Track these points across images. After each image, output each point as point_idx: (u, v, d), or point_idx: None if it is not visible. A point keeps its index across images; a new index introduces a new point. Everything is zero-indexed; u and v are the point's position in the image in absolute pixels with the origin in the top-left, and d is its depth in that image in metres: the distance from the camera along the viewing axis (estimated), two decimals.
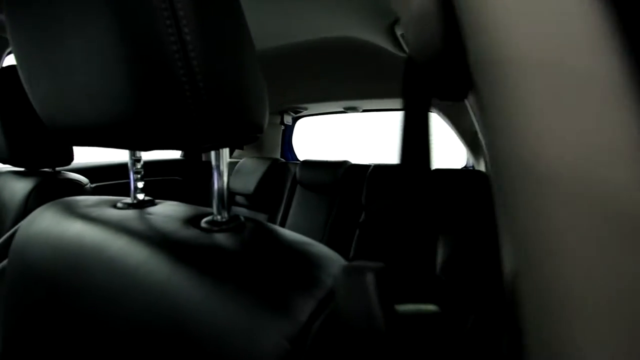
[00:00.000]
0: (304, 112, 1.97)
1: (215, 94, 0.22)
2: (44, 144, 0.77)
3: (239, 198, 1.78)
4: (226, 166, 0.32)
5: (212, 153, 0.32)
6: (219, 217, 0.31)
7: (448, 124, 1.50)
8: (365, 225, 1.35)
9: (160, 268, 0.25)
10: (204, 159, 1.90)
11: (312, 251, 0.27)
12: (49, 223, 0.36)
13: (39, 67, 0.28)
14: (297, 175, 1.59)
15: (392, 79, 1.36)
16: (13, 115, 0.73)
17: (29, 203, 0.69)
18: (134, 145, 0.29)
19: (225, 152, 0.32)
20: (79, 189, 0.76)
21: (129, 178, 0.39)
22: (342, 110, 1.82)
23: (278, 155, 2.24)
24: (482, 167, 1.38)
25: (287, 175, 1.66)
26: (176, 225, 0.31)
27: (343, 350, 0.20)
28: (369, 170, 1.38)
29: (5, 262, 0.41)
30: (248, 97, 0.25)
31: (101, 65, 0.22)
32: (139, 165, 0.39)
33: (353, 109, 1.76)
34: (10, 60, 1.05)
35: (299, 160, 2.07)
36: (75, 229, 0.33)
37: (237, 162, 1.81)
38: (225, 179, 0.32)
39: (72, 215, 0.35)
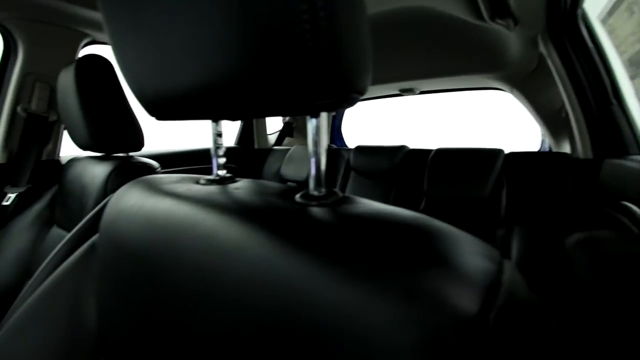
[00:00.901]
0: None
1: (336, 52, 0.21)
2: (119, 131, 0.80)
3: (291, 185, 1.78)
4: (326, 135, 0.28)
5: (309, 124, 0.28)
6: (315, 192, 0.27)
7: (522, 102, 1.34)
8: (427, 212, 1.26)
9: (261, 245, 0.23)
10: (256, 146, 1.92)
11: (435, 227, 0.22)
12: (137, 199, 0.35)
13: (136, 44, 0.28)
14: (351, 161, 1.53)
15: (465, 53, 1.24)
16: (93, 105, 0.76)
17: (109, 184, 0.72)
18: (239, 112, 0.28)
19: (325, 121, 0.28)
20: (151, 171, 0.79)
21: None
22: (398, 93, 1.73)
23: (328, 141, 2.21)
24: (566, 149, 1.22)
25: (340, 162, 1.61)
26: (269, 201, 0.28)
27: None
28: (431, 154, 1.28)
29: (95, 236, 0.41)
30: (360, 57, 0.23)
31: (213, 25, 0.22)
32: (220, 140, 0.37)
33: (409, 91, 1.65)
34: (87, 51, 1.12)
35: (346, 147, 2.02)
36: (165, 205, 0.32)
37: (288, 150, 1.81)
38: (323, 151, 0.28)
39: (159, 192, 0.34)
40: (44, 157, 1.08)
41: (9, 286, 0.89)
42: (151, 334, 0.30)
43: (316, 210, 0.26)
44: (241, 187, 0.33)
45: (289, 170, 1.70)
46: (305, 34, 0.20)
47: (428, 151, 1.31)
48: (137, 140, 0.84)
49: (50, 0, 0.89)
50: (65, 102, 0.81)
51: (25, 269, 0.90)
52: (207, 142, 1.76)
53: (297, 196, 0.28)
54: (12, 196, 1.00)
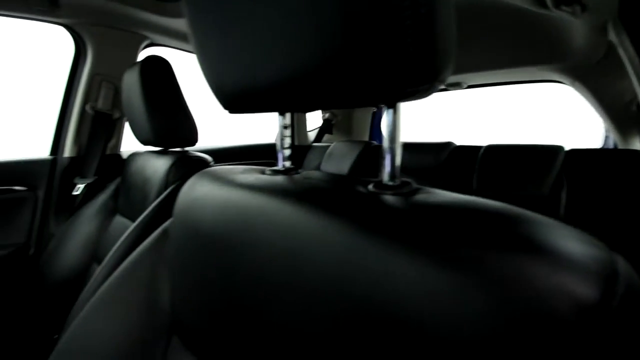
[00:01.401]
0: None
1: (432, 39, 0.21)
2: (178, 127, 0.85)
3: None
4: (401, 126, 0.28)
5: (385, 114, 0.28)
6: (390, 182, 0.27)
7: (585, 95, 1.23)
8: None
9: (340, 233, 0.24)
10: (296, 143, 1.95)
11: (528, 215, 0.21)
12: (209, 188, 0.37)
13: (218, 40, 0.29)
14: None
15: (523, 44, 1.17)
16: (155, 103, 0.82)
17: (170, 177, 0.77)
18: (315, 103, 0.29)
19: (400, 109, 0.28)
20: (206, 165, 0.83)
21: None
22: (443, 87, 1.67)
23: (366, 139, 2.18)
24: (635, 145, 1.10)
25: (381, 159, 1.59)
26: (343, 190, 0.29)
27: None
28: (481, 151, 1.22)
29: (167, 223, 0.44)
30: (449, 45, 0.23)
31: (303, 14, 0.22)
32: (287, 132, 0.38)
33: (456, 85, 1.58)
34: (145, 53, 1.20)
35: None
36: (238, 193, 0.33)
37: (327, 146, 1.82)
38: (399, 142, 0.28)
39: (230, 181, 0.36)
40: (107, 152, 1.18)
41: (78, 267, 0.98)
42: (224, 314, 0.31)
43: (393, 199, 0.25)
44: (312, 177, 0.34)
45: (330, 167, 1.71)
46: (406, 21, 0.20)
47: (477, 148, 1.25)
48: (192, 136, 0.88)
49: (116, 5, 0.96)
50: (129, 100, 0.88)
51: (92, 252, 0.99)
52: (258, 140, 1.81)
53: (370, 186, 0.28)
54: (81, 187, 1.10)
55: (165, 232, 0.44)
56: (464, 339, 0.17)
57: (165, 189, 0.76)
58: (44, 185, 1.12)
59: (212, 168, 0.43)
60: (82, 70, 1.08)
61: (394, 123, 0.27)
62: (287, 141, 0.38)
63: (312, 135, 2.07)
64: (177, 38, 1.22)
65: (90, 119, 1.12)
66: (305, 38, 0.23)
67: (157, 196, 0.76)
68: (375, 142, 1.81)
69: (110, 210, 1.04)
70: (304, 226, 0.26)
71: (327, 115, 2.05)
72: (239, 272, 0.30)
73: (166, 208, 0.75)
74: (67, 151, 1.13)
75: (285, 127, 0.38)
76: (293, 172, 0.37)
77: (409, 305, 0.19)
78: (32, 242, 1.11)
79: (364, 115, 2.11)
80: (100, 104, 1.11)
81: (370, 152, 1.63)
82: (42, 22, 1.01)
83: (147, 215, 0.74)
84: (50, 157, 1.14)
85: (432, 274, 0.19)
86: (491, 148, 1.21)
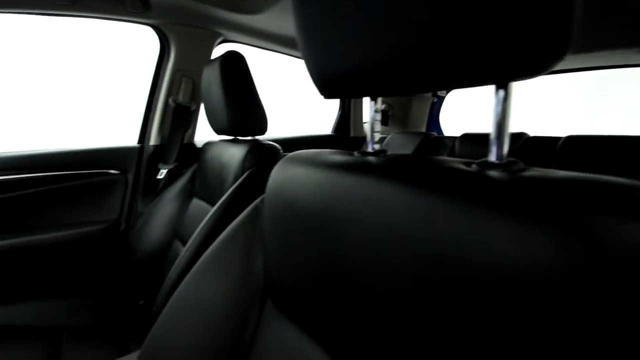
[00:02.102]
0: None
1: (561, 10, 0.20)
2: (251, 117, 0.91)
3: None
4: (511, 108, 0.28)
5: (496, 95, 0.27)
6: (496, 160, 0.27)
7: None
8: None
9: (442, 207, 0.24)
10: (352, 134, 1.96)
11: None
12: (302, 168, 0.40)
13: (321, 28, 0.31)
14: (457, 150, 1.45)
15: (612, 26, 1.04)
16: (233, 95, 0.88)
17: (246, 162, 0.83)
18: (416, 85, 0.29)
19: (512, 89, 0.27)
20: (276, 152, 0.88)
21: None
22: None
23: (423, 130, 2.12)
24: None
25: (441, 150, 1.54)
26: (445, 169, 0.29)
27: None
28: (560, 142, 1.12)
29: (258, 201, 0.48)
30: (573, 20, 0.21)
31: None
32: (377, 116, 0.39)
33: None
34: (221, 49, 1.30)
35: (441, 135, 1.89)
36: (332, 172, 0.35)
37: (383, 138, 1.80)
38: (509, 120, 0.27)
39: (323, 162, 0.38)
40: (185, 141, 1.29)
41: (161, 243, 1.10)
42: (317, 281, 0.34)
43: (499, 174, 0.25)
44: (404, 158, 0.35)
45: None
46: None
47: (555, 139, 1.16)
48: (263, 126, 0.94)
49: (199, 4, 1.04)
50: (208, 92, 0.95)
51: (173, 230, 1.10)
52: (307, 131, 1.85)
53: (473, 165, 0.28)
54: (164, 171, 1.23)
55: (256, 208, 0.48)
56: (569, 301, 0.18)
57: (242, 173, 0.82)
58: (133, 170, 1.27)
59: (301, 151, 0.46)
60: (166, 67, 1.20)
61: (504, 105, 0.27)
62: (378, 125, 0.40)
63: (367, 127, 2.06)
64: (249, 34, 1.30)
65: (171, 111, 1.24)
66: (411, 19, 0.23)
67: (234, 180, 0.83)
68: (434, 133, 1.75)
69: (188, 194, 1.14)
70: (401, 200, 0.27)
71: (383, 106, 2.02)
72: (334, 244, 0.32)
73: (244, 190, 0.81)
74: (152, 140, 1.26)
75: (376, 111, 0.39)
76: (382, 155, 0.38)
77: (514, 272, 0.20)
78: (123, 219, 1.27)
79: (421, 106, 2.05)
80: (180, 97, 1.22)
81: (430, 144, 1.58)
82: (133, 24, 1.14)
83: (227, 197, 0.80)
84: (138, 145, 1.29)
85: (538, 240, 0.19)
86: (572, 139, 1.11)
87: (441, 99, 2.08)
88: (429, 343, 0.24)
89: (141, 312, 1.07)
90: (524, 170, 0.26)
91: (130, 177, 1.27)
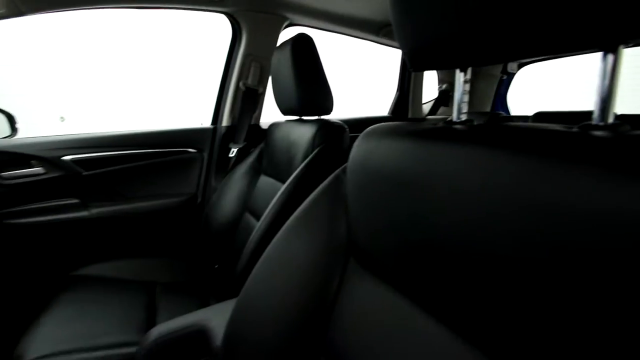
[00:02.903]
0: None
1: None
2: (319, 97, 0.95)
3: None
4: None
5: (602, 62, 0.27)
6: (601, 122, 0.27)
7: None
8: None
9: (555, 170, 0.24)
10: (410, 116, 1.92)
11: None
12: (385, 139, 0.43)
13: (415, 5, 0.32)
14: None
15: None
16: (303, 76, 0.93)
17: (316, 140, 0.88)
18: (507, 53, 0.29)
19: (622, 54, 0.27)
20: (343, 130, 0.92)
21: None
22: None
23: (487, 111, 1.99)
24: None
25: None
26: (543, 131, 0.29)
27: None
28: (530, 119, 1.02)
29: (338, 171, 0.52)
30: None
31: None
32: (467, 87, 0.40)
33: None
34: (287, 34, 1.35)
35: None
36: (420, 140, 0.37)
37: (444, 120, 1.74)
38: (616, 84, 0.27)
39: (409, 131, 0.40)
40: (252, 122, 1.39)
41: (232, 214, 1.20)
42: (402, 239, 0.37)
43: (604, 133, 0.25)
44: (497, 126, 0.35)
45: None
46: None
47: (525, 117, 1.05)
48: (329, 105, 0.98)
49: None
50: (278, 74, 1.01)
51: (244, 204, 1.21)
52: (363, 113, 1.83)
53: (574, 128, 0.28)
54: (234, 150, 1.34)
55: (337, 178, 0.52)
56: None
57: (312, 150, 0.88)
58: (208, 149, 1.40)
59: (382, 124, 0.48)
60: (237, 52, 1.29)
61: (613, 70, 0.26)
62: (466, 97, 0.41)
63: (426, 108, 2.00)
64: (313, 17, 1.33)
65: (241, 94, 1.34)
66: None
67: (304, 157, 0.89)
68: (502, 113, 1.64)
69: (256, 171, 1.24)
70: (499, 162, 0.28)
71: (444, 86, 1.94)
72: (425, 207, 0.34)
73: (314, 166, 0.86)
74: (224, 121, 1.38)
75: (466, 82, 0.40)
76: (469, 124, 0.39)
77: (620, 220, 0.20)
78: (199, 192, 1.42)
79: (487, 85, 1.92)
80: (249, 81, 1.30)
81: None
82: (208, 12, 1.23)
83: (298, 173, 0.86)
84: (212, 126, 1.42)
85: None
86: (540, 115, 1.01)
87: (511, 76, 1.94)
88: (523, 294, 0.26)
89: (217, 274, 1.21)
90: (630, 130, 0.26)
91: (206, 155, 1.40)
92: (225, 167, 1.37)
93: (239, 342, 0.50)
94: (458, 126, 0.38)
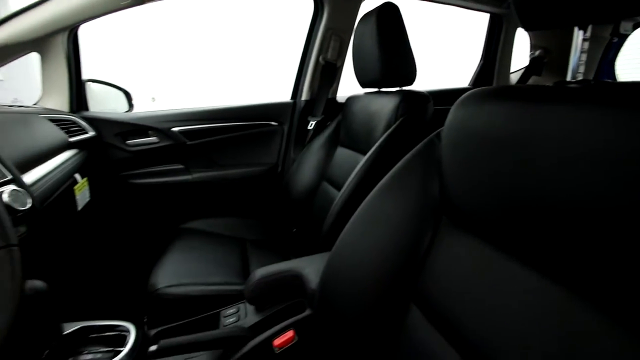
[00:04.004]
0: None
1: None
2: (403, 67, 0.95)
3: None
4: None
5: None
6: None
7: None
8: None
9: None
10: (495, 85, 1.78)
11: None
12: (488, 103, 0.43)
13: None
14: None
15: None
16: (387, 46, 0.93)
17: (399, 110, 0.90)
18: None
19: None
20: (427, 100, 0.91)
21: None
22: None
23: (590, 78, 1.74)
24: None
25: None
26: None
27: None
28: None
29: (432, 135, 0.54)
30: None
31: None
32: (585, 46, 0.39)
33: None
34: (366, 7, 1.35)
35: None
36: (528, 105, 0.38)
37: None
38: None
39: (508, 95, 0.41)
40: (329, 96, 1.44)
41: (311, 183, 1.29)
42: (501, 198, 0.38)
43: None
44: (622, 84, 0.34)
45: None
46: None
47: None
48: (413, 76, 0.97)
49: None
50: (360, 46, 1.03)
51: (321, 174, 1.28)
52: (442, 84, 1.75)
53: None
54: (313, 123, 1.42)
55: (431, 142, 0.54)
56: None
57: (395, 121, 0.89)
58: (288, 122, 1.50)
59: (483, 88, 0.49)
60: (318, 27, 1.33)
61: None
62: (584, 57, 0.39)
63: (514, 78, 1.83)
64: None
65: (320, 68, 1.39)
66: None
67: (386, 129, 0.91)
68: (609, 80, 1.43)
69: (333, 143, 1.30)
70: (616, 124, 0.29)
71: (537, 52, 1.73)
72: (529, 166, 0.35)
73: (397, 136, 0.88)
74: (304, 95, 1.46)
75: (585, 40, 0.39)
76: (586, 84, 0.38)
77: None
78: (280, 163, 1.55)
79: (593, 49, 1.67)
80: (329, 55, 1.34)
81: None
82: None
83: (381, 143, 0.89)
84: (291, 101, 1.51)
85: None
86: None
87: (623, 39, 1.65)
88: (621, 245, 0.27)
89: (295, 236, 1.33)
90: None
91: (286, 128, 1.51)
92: (303, 139, 1.46)
93: (334, 286, 0.58)
94: (574, 86, 0.37)
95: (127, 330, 0.70)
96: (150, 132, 1.35)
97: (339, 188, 1.07)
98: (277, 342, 0.63)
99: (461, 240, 0.45)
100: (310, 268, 0.71)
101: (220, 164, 1.48)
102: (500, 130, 0.40)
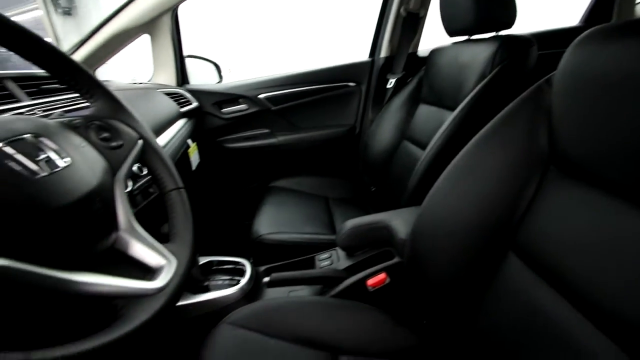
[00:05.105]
0: None
1: None
2: (501, 8, 0.86)
3: None
4: None
5: None
6: None
7: None
8: None
9: None
10: (615, 19, 1.47)
11: None
12: (605, 43, 0.39)
13: None
14: None
15: None
16: None
17: (496, 59, 0.83)
18: None
19: None
20: (532, 44, 0.82)
21: None
22: None
23: None
24: None
25: None
26: None
27: None
28: None
29: (540, 82, 0.51)
30: None
31: None
32: None
33: None
34: None
35: None
36: None
37: None
38: None
39: (634, 33, 0.36)
40: (410, 50, 1.38)
41: (390, 143, 1.29)
42: (621, 144, 0.36)
43: None
44: None
45: None
46: None
47: None
48: (512, 17, 0.87)
49: None
50: None
51: (401, 132, 1.27)
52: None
53: None
54: (392, 81, 1.39)
55: (539, 89, 0.51)
56: None
57: (490, 71, 0.83)
58: (366, 82, 1.49)
59: (609, 24, 0.43)
60: None
61: None
62: None
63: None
64: None
65: (401, 21, 1.32)
66: None
67: (479, 80, 0.85)
68: None
69: (415, 100, 1.26)
70: None
71: None
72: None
73: (493, 87, 0.83)
74: (383, 52, 1.42)
75: None
76: None
77: None
78: (358, 124, 1.57)
79: None
80: (411, 5, 1.27)
81: None
82: None
83: (474, 96, 0.85)
84: (370, 59, 1.48)
85: None
86: None
87: None
88: None
89: (375, 195, 1.37)
90: None
91: (364, 88, 1.50)
92: (382, 98, 1.44)
93: (426, 235, 0.61)
94: None
95: (244, 265, 0.85)
96: (240, 100, 1.48)
97: (422, 147, 1.06)
98: (371, 282, 0.71)
99: (572, 191, 0.44)
100: (398, 220, 0.75)
101: (302, 127, 1.57)
102: (628, 71, 0.36)
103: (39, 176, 0.32)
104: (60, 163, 0.35)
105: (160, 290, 0.38)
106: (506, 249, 0.50)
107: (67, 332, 0.29)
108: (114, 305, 0.35)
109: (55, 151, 0.35)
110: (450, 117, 0.89)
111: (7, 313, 0.27)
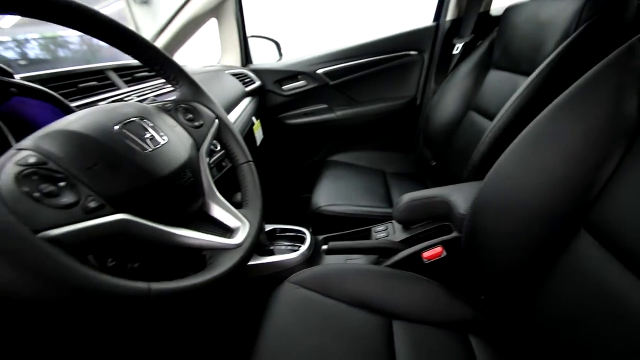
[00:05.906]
0: None
1: None
2: None
3: None
4: None
5: None
6: None
7: None
8: None
9: None
10: None
11: None
12: None
13: None
14: None
15: None
16: None
17: (583, 14, 0.72)
18: None
19: None
20: None
21: None
22: None
23: None
24: None
25: None
26: None
27: None
28: None
29: (632, 40, 0.44)
30: None
31: None
32: None
33: None
34: None
35: None
36: None
37: None
38: None
39: None
40: (481, 10, 1.25)
41: (455, 114, 1.21)
42: None
43: None
44: None
45: None
46: None
47: None
48: None
49: None
50: None
51: (467, 102, 1.18)
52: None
53: None
54: (459, 46, 1.28)
55: (630, 48, 0.44)
56: None
57: (575, 29, 0.73)
58: (429, 49, 1.40)
59: None
60: None
61: None
62: None
63: None
64: None
65: None
66: None
67: (562, 40, 0.75)
68: None
69: (484, 65, 1.15)
70: None
71: None
72: None
73: (578, 47, 0.73)
74: (449, 14, 1.31)
75: None
76: None
77: None
78: (419, 95, 1.50)
79: None
80: None
81: None
82: None
83: (554, 58, 0.75)
84: (434, 23, 1.38)
85: None
86: None
87: None
88: None
89: (434, 170, 1.33)
90: None
91: (426, 56, 1.42)
92: (446, 66, 1.35)
93: (489, 210, 0.59)
94: None
95: (304, 233, 0.92)
96: (299, 76, 1.51)
97: (490, 117, 0.98)
98: (426, 254, 0.72)
99: None
100: (458, 195, 0.73)
101: (360, 101, 1.55)
102: None
103: (147, 151, 0.40)
104: (160, 140, 0.43)
105: (238, 246, 0.46)
106: (578, 225, 0.47)
107: (173, 274, 0.37)
108: (203, 255, 0.43)
109: (156, 130, 0.43)
110: (524, 83, 0.80)
111: (130, 254, 0.36)
